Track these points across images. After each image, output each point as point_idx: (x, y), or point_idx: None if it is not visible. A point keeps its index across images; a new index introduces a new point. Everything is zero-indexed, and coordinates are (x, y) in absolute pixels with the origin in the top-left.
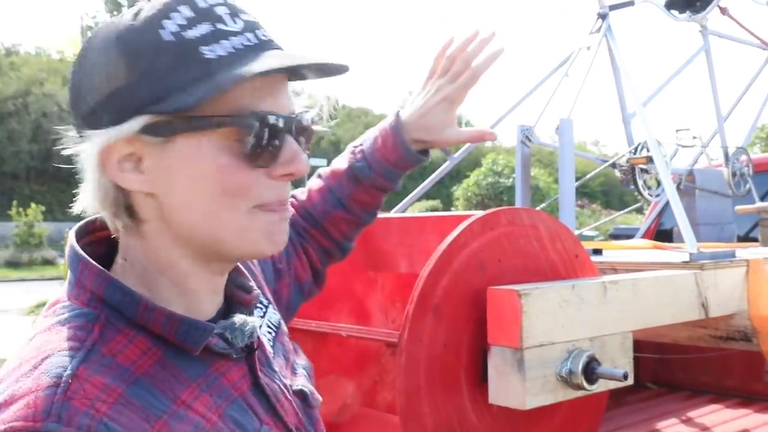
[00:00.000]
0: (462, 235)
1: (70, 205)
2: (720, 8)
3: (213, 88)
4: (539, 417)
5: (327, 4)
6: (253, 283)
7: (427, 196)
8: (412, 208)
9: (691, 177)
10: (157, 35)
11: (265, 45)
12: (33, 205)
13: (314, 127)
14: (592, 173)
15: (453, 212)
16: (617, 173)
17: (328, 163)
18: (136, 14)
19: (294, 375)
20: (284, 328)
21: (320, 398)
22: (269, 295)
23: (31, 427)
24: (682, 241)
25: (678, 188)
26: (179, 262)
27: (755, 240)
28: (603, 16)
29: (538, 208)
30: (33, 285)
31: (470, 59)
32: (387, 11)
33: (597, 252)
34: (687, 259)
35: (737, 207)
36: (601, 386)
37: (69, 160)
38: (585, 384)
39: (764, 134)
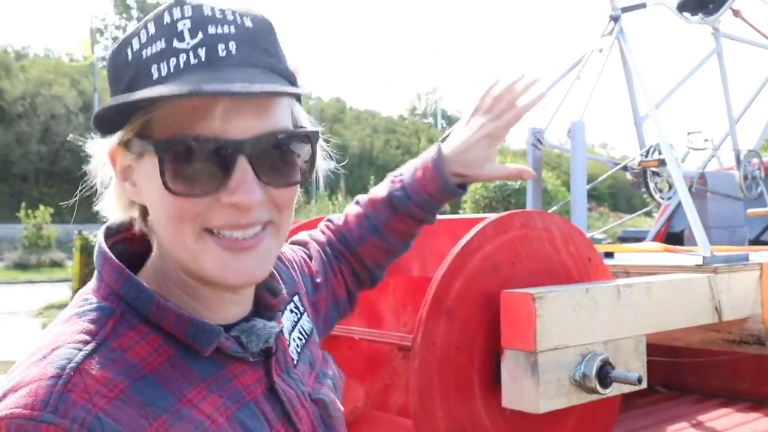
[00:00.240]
0: (475, 238)
1: (95, 204)
2: (732, 10)
3: (118, 110)
4: (552, 421)
5: (335, 6)
6: (282, 287)
7: None
8: None
9: (703, 180)
10: (125, 54)
11: (211, 63)
12: (41, 207)
13: (296, 150)
14: (604, 176)
15: (465, 215)
16: (628, 176)
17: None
18: (124, 32)
19: (318, 384)
20: (316, 337)
21: (341, 408)
22: (307, 303)
23: (28, 415)
24: (693, 244)
25: (689, 191)
26: (180, 273)
27: (766, 243)
28: (615, 19)
29: (549, 211)
30: (41, 287)
31: (514, 99)
32: (395, 14)
33: (609, 255)
34: (700, 262)
35: (749, 210)
36: (615, 390)
37: (76, 162)
38: (599, 388)
39: None
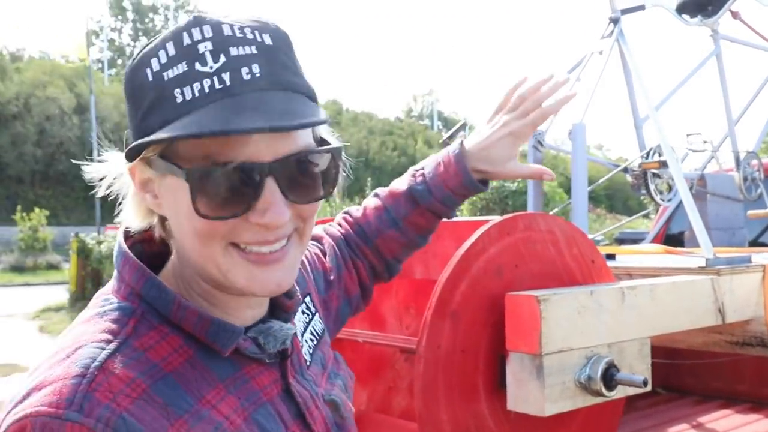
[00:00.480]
0: (480, 241)
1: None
2: (731, 12)
3: (145, 144)
4: (557, 423)
5: (331, 8)
6: (297, 289)
7: None
8: None
9: (703, 182)
10: (144, 74)
11: (235, 87)
12: (37, 209)
13: (318, 170)
14: (605, 177)
15: (467, 218)
16: (629, 178)
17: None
18: (141, 49)
19: (330, 385)
20: (327, 337)
21: (353, 409)
22: (318, 304)
23: (54, 413)
24: (693, 245)
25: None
26: (200, 282)
27: (766, 244)
28: (615, 21)
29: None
30: (38, 290)
31: (542, 99)
32: (391, 16)
33: (610, 257)
34: (703, 264)
35: (749, 212)
36: (620, 393)
37: (71, 164)
38: (604, 390)
39: None
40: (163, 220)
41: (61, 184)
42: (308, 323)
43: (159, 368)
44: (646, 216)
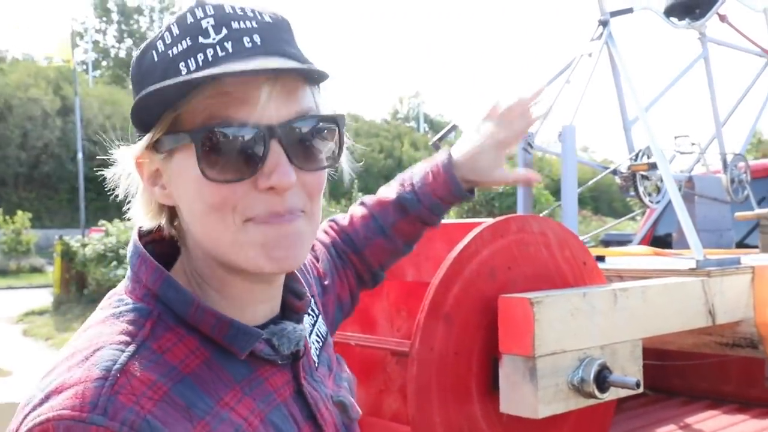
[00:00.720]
0: (472, 243)
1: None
2: (719, 15)
3: (163, 101)
4: (549, 425)
5: (317, 10)
6: (306, 290)
7: None
8: None
9: (691, 183)
10: (151, 56)
11: (238, 54)
12: (20, 212)
13: (326, 135)
14: (594, 180)
15: (458, 220)
16: (617, 180)
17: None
18: (146, 40)
19: (336, 386)
20: (330, 340)
21: (360, 411)
22: (320, 306)
23: (77, 416)
24: (681, 247)
25: None
26: (215, 270)
27: (751, 246)
28: (604, 23)
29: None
30: (21, 293)
31: (526, 109)
32: (377, 18)
33: (600, 259)
34: (694, 266)
35: (737, 213)
36: (612, 395)
37: (56, 166)
38: (597, 392)
39: (755, 140)
40: (172, 219)
41: (45, 187)
42: (314, 325)
43: (177, 370)
44: (632, 218)
